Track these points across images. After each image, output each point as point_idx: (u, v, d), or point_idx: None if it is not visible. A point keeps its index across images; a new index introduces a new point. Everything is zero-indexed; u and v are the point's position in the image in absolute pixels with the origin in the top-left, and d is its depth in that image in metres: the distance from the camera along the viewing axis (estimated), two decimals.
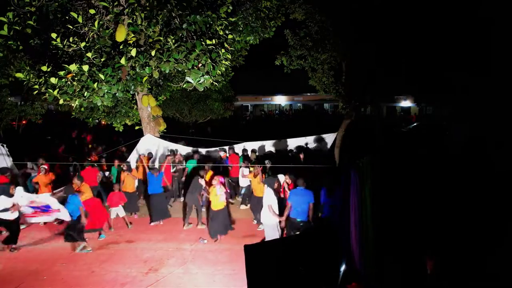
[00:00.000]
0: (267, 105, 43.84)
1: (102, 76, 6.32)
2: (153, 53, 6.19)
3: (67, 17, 6.78)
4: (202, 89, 6.66)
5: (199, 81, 6.61)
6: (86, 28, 6.51)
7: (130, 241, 8.83)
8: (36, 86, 6.80)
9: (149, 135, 12.61)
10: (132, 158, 12.32)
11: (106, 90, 6.50)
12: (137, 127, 13.18)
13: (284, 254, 3.79)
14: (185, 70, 6.41)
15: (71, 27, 6.50)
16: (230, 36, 6.92)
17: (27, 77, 7.50)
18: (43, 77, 6.75)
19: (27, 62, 7.33)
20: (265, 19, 10.24)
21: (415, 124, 21.88)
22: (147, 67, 6.30)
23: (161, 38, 6.30)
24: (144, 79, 6.47)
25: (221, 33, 7.13)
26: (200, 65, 6.56)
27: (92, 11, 6.31)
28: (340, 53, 12.43)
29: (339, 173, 7.51)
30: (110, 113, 12.48)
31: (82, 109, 11.77)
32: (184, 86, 6.63)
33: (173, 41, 6.25)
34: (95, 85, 6.39)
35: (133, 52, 6.15)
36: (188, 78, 6.59)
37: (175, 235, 9.60)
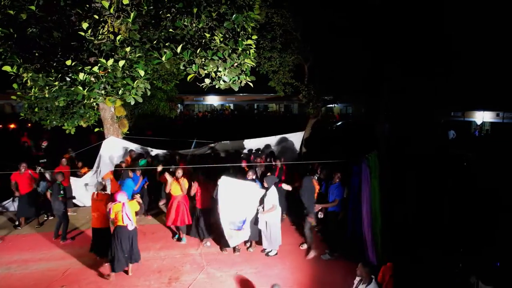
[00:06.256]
0: (198, 105, 42.90)
1: (142, 73, 5.78)
2: (198, 50, 5.93)
3: (86, 6, 5.95)
4: (237, 88, 6.65)
5: (234, 80, 6.57)
6: (119, 21, 5.85)
7: None
8: (56, 83, 5.81)
9: (112, 137, 11.64)
10: (103, 163, 11.22)
11: (143, 88, 5.96)
12: (96, 129, 12.01)
13: None
14: (224, 69, 6.31)
15: (97, 17, 5.75)
16: (254, 37, 7.02)
17: (18, 71, 6.31)
18: (59, 73, 5.76)
19: (14, 52, 6.11)
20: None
21: (340, 122, 24.28)
22: (194, 64, 6.00)
23: (207, 35, 6.07)
24: (189, 77, 6.15)
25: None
26: (235, 64, 6.53)
27: (125, 1, 5.70)
28: (303, 56, 13.35)
29: (347, 166, 8.19)
30: (65, 114, 11.07)
31: (36, 109, 10.22)
32: (220, 86, 6.50)
33: (221, 38, 6.10)
34: (135, 83, 5.81)
35: (179, 49, 5.80)
36: (224, 77, 6.50)
37: (171, 242, 9.33)
